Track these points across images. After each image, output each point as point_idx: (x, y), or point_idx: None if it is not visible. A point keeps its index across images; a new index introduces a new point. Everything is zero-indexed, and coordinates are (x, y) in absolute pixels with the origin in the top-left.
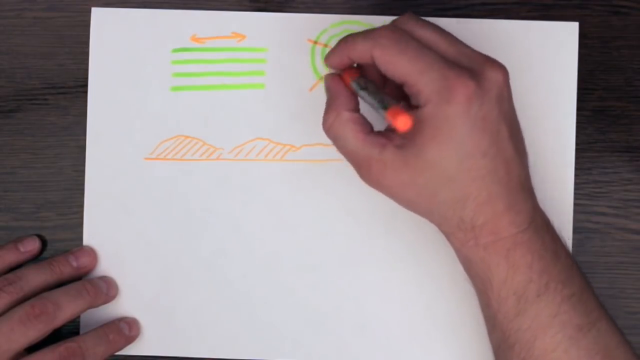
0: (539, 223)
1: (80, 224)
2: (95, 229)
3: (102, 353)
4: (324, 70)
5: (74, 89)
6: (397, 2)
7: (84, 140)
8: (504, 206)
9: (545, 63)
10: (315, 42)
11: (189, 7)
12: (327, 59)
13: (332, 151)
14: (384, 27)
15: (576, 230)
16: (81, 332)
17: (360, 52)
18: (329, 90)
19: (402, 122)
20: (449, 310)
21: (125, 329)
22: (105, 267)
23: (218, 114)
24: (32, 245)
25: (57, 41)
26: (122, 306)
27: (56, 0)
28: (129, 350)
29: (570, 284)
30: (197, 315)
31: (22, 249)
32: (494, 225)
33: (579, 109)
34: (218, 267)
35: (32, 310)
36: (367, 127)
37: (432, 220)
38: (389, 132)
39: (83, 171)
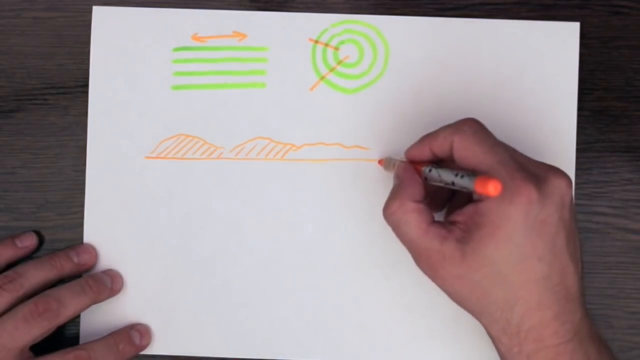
0: (585, 333)
1: (80, 224)
2: (96, 228)
3: None
4: (325, 70)
5: (74, 89)
6: (397, 2)
7: (84, 140)
8: (551, 315)
9: (545, 63)
10: (316, 42)
11: (190, 6)
12: (408, 151)
13: (333, 150)
14: (467, 118)
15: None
16: (81, 330)
17: (442, 139)
18: (398, 177)
19: (493, 187)
20: (449, 310)
21: (137, 337)
22: (105, 266)
23: (219, 113)
24: (29, 241)
25: (57, 41)
26: (122, 306)
27: (56, 0)
28: None
29: None
30: (197, 314)
31: (19, 245)
32: (538, 333)
33: (579, 109)
34: (218, 266)
35: (35, 308)
36: (429, 218)
37: (480, 321)
38: (450, 225)
39: (83, 171)
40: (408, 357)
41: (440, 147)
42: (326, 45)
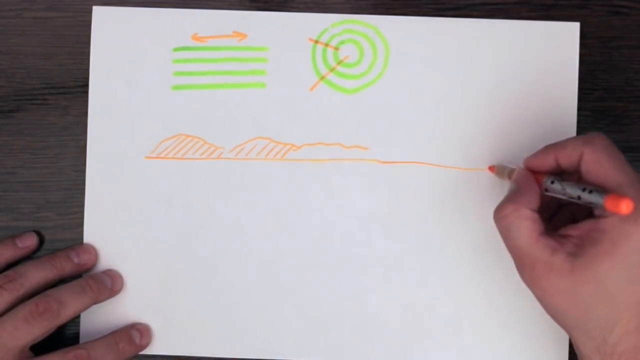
0: None
1: (80, 224)
2: (96, 228)
3: None
4: (325, 70)
5: (74, 89)
6: (397, 2)
7: (84, 140)
8: None
9: (545, 63)
10: (316, 42)
11: (190, 6)
12: (530, 159)
13: (333, 150)
14: (596, 132)
15: None
16: (81, 329)
17: (571, 150)
18: (517, 183)
19: (626, 206)
20: (449, 310)
21: (137, 337)
22: (106, 266)
23: (219, 113)
24: (30, 241)
25: (57, 41)
26: (122, 306)
27: (56, 0)
28: None
29: None
30: (197, 314)
31: (20, 245)
32: (632, 357)
33: (579, 108)
34: (218, 266)
35: (36, 308)
36: (541, 228)
37: (574, 336)
38: (561, 237)
39: (83, 171)
40: (408, 357)
41: (567, 158)
42: (326, 45)
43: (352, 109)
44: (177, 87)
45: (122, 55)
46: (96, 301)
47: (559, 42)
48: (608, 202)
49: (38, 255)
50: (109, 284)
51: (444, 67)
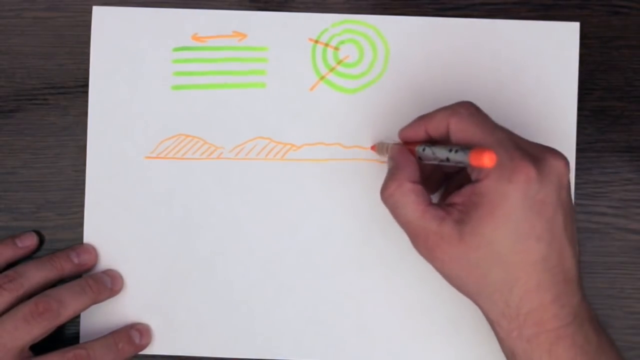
0: (584, 317)
1: (80, 224)
2: (96, 228)
3: None
4: (325, 70)
5: (74, 89)
6: (397, 2)
7: (84, 140)
8: (551, 297)
9: (545, 63)
10: (316, 42)
11: (190, 6)
12: (402, 131)
13: (333, 150)
14: (462, 101)
15: (576, 230)
16: (81, 329)
17: (438, 121)
18: (393, 159)
19: (488, 158)
20: (449, 310)
21: (136, 337)
22: (105, 266)
23: (219, 113)
24: (30, 241)
25: (57, 41)
26: (122, 306)
27: (56, 0)
28: None
29: None
30: (197, 314)
31: (20, 245)
32: (538, 316)
33: (579, 109)
34: (218, 266)
35: (36, 308)
36: (427, 199)
37: (479, 304)
38: (447, 206)
39: (83, 171)
40: (408, 357)
41: (435, 129)
42: (326, 45)
43: (352, 109)
44: (177, 87)
45: (122, 55)
46: (96, 301)
47: (559, 42)
48: (472, 158)
49: (38, 255)
50: (109, 284)
51: (444, 67)
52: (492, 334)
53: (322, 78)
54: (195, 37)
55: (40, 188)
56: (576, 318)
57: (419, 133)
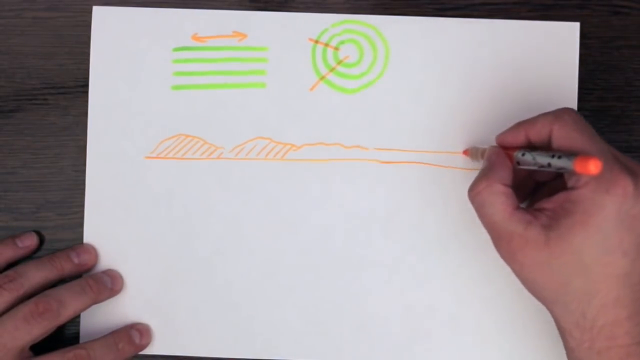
0: None
1: (80, 224)
2: (96, 228)
3: None
4: (325, 70)
5: (74, 89)
6: (397, 2)
7: (84, 140)
8: (626, 314)
9: (545, 63)
10: (316, 42)
11: (190, 6)
12: (501, 136)
13: (333, 150)
14: (565, 108)
15: None
16: (81, 329)
17: (541, 127)
18: (489, 160)
19: (594, 166)
20: (449, 310)
21: (136, 337)
22: (105, 266)
23: (219, 113)
24: (30, 241)
25: (57, 41)
26: (122, 306)
27: (56, 0)
28: None
29: None
30: (197, 314)
31: (20, 244)
32: (611, 331)
33: (579, 109)
34: (218, 266)
35: (36, 308)
36: (515, 202)
37: (553, 311)
38: (535, 211)
39: (83, 171)
40: (408, 357)
41: (537, 134)
42: (326, 45)
43: (352, 109)
44: (177, 87)
45: (122, 55)
46: (96, 301)
47: (559, 42)
48: (577, 164)
49: (38, 255)
50: (109, 284)
51: (444, 67)
52: (491, 334)
53: (322, 78)
54: (195, 37)
55: (40, 188)
56: None
57: (519, 138)
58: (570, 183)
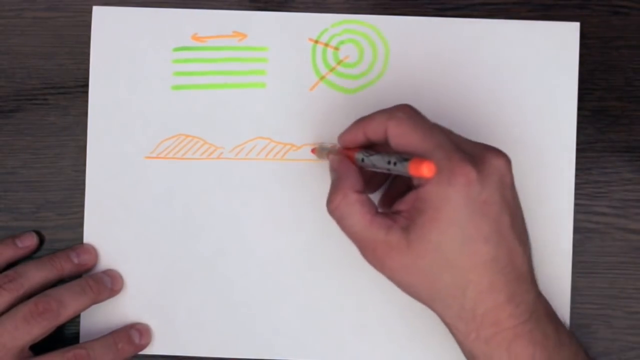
0: (541, 313)
1: (80, 224)
2: (96, 228)
3: None
4: (325, 70)
5: (74, 89)
6: (397, 2)
7: (84, 140)
8: (505, 297)
9: (545, 63)
10: (316, 42)
11: (190, 6)
12: (342, 136)
13: None
14: (400, 104)
15: (576, 230)
16: (81, 329)
17: (376, 125)
18: (335, 171)
19: (427, 169)
20: None
21: (136, 336)
22: (105, 266)
23: (219, 113)
24: (30, 241)
25: (57, 41)
26: (122, 306)
27: (56, 0)
28: None
29: None
30: (197, 314)
31: (20, 245)
32: (494, 317)
33: (579, 108)
34: (218, 266)
35: (35, 308)
36: (373, 209)
37: (434, 309)
38: (394, 214)
39: (83, 171)
40: (408, 357)
41: (374, 132)
42: (326, 45)
43: (352, 109)
44: (177, 87)
45: (122, 55)
46: (96, 301)
47: (559, 42)
48: (411, 169)
49: (38, 255)
50: (109, 284)
51: (444, 67)
52: None
53: (322, 78)
54: (195, 37)
55: (40, 188)
56: (532, 315)
57: (358, 137)
58: (415, 182)
